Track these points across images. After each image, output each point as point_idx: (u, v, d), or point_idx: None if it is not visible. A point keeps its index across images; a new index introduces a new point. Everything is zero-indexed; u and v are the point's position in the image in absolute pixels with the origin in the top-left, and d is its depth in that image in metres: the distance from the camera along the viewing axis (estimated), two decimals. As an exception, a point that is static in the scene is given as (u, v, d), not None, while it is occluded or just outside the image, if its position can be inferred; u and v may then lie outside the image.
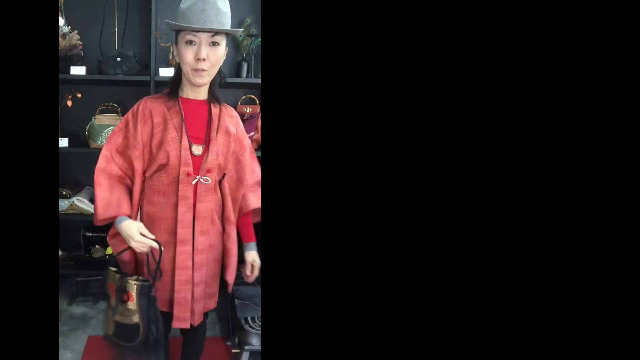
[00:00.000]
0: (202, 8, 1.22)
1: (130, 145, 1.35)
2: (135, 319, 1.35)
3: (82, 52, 2.45)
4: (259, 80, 2.51)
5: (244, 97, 2.71)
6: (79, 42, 2.40)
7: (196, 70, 1.28)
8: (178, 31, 1.29)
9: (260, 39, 2.58)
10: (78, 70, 2.37)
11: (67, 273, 2.47)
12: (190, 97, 1.38)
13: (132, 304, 1.34)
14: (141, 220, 1.40)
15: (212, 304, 1.53)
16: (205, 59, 1.27)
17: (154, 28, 2.41)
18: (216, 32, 1.25)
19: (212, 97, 1.41)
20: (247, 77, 2.58)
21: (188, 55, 1.27)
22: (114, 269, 1.41)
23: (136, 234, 1.30)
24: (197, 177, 1.36)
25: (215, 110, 1.41)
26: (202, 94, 1.39)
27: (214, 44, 1.27)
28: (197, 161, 1.37)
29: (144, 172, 1.38)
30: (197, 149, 1.37)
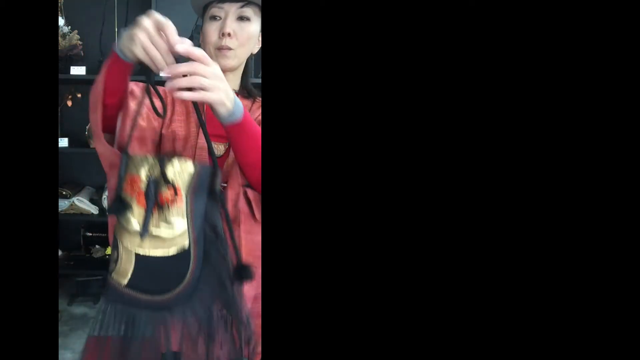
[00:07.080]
0: None
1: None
2: (183, 241, 0.73)
3: (82, 52, 2.45)
4: (259, 80, 2.52)
5: (244, 97, 2.71)
6: (79, 42, 2.40)
7: (220, 49, 1.01)
8: (205, 10, 1.06)
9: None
10: (78, 70, 2.37)
11: (67, 273, 2.48)
12: None
13: (178, 209, 0.73)
14: None
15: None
16: (232, 35, 1.01)
17: (154, 28, 2.41)
18: (246, 3, 1.01)
19: (245, 89, 1.11)
20: (247, 77, 2.58)
21: (212, 32, 1.02)
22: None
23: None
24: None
25: (245, 103, 1.09)
26: (231, 85, 1.06)
27: (243, 18, 1.03)
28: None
29: None
30: (218, 149, 1.02)
